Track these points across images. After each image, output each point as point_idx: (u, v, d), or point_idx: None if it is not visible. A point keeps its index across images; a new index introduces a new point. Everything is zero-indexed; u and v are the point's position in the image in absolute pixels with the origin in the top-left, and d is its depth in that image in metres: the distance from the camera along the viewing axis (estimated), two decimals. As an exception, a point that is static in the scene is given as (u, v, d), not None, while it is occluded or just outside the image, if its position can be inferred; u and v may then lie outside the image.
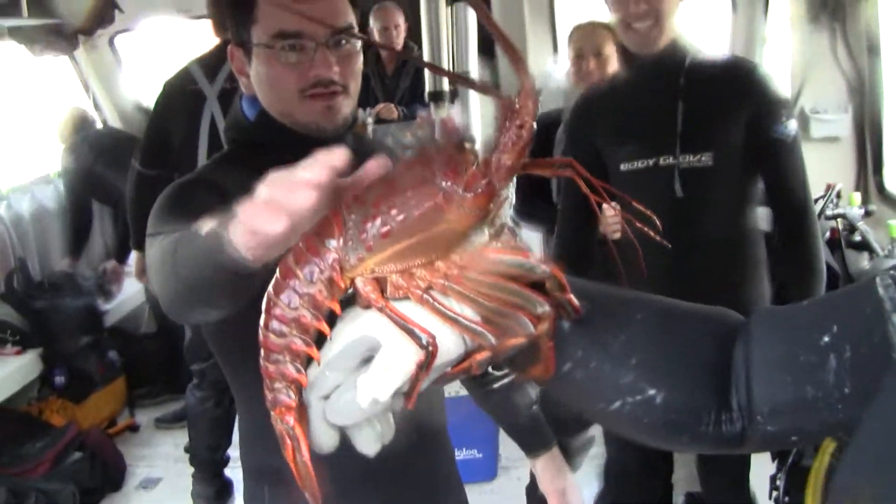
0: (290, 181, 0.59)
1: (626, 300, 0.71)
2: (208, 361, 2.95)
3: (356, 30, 1.23)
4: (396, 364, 0.60)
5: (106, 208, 4.28)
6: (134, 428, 3.86)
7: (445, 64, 3.43)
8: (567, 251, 2.10)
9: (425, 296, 0.60)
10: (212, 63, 3.00)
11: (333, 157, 0.59)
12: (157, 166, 3.04)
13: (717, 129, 1.88)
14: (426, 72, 3.48)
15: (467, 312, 0.60)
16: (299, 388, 0.64)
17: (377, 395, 0.59)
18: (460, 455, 2.77)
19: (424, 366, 0.59)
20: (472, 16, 3.41)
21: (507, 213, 0.66)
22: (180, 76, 3.05)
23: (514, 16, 3.51)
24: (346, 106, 1.22)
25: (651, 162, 1.93)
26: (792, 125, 1.86)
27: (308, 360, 0.63)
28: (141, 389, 4.03)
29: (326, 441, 0.62)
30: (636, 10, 1.85)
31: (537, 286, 0.61)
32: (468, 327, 0.59)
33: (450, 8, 3.45)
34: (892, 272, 0.57)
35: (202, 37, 3.58)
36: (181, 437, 3.45)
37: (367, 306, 0.62)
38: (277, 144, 1.19)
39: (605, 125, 2.02)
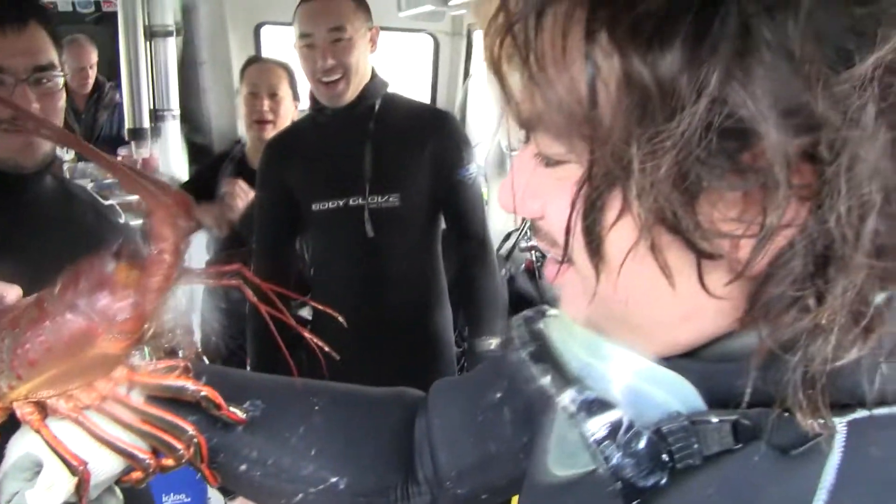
0: None
1: (305, 392, 0.73)
2: None
3: (58, 67, 1.21)
4: (58, 483, 0.61)
5: None
6: None
7: (145, 100, 3.34)
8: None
9: (81, 418, 0.62)
10: None
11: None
12: None
13: (404, 172, 2.00)
14: (126, 108, 3.36)
15: (121, 434, 0.63)
16: None
17: None
18: (168, 500, 2.69)
19: (80, 488, 0.61)
20: (171, 51, 3.35)
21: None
22: None
23: (221, 49, 3.49)
24: (46, 143, 1.19)
25: (341, 203, 2.01)
26: (473, 168, 2.02)
27: None
28: None
29: None
30: (324, 65, 1.92)
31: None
32: (121, 450, 0.62)
33: (149, 43, 3.36)
34: (527, 312, 0.58)
35: None
36: None
37: None
38: None
39: (297, 166, 2.07)
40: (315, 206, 2.03)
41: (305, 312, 2.17)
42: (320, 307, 0.75)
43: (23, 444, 0.63)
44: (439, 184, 2.00)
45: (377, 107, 2.00)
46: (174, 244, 0.59)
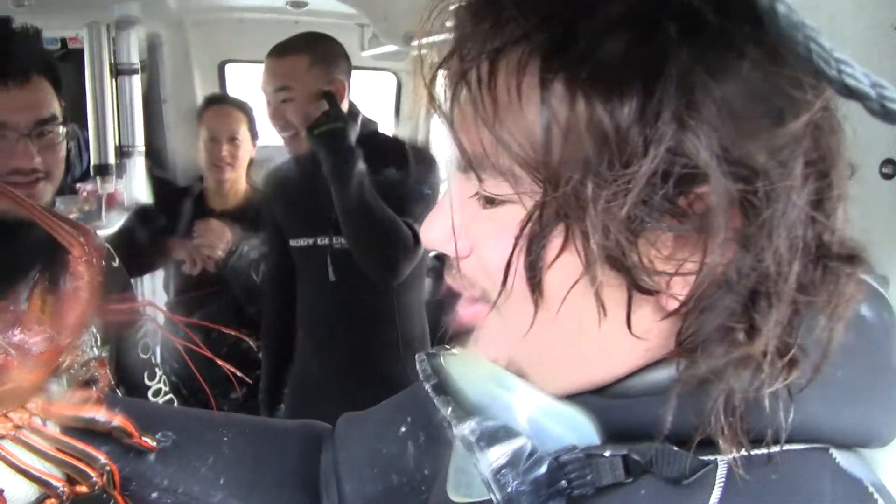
0: None
1: (216, 424, 0.76)
2: None
3: (59, 118, 1.23)
4: None
5: None
6: None
7: (111, 137, 3.35)
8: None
9: (-4, 447, 0.65)
10: None
11: None
12: None
13: None
14: (91, 145, 3.37)
15: (36, 463, 0.66)
16: None
17: None
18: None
19: None
20: (136, 88, 3.37)
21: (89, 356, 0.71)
22: None
23: (186, 87, 3.52)
24: (47, 192, 1.23)
25: (311, 241, 2.07)
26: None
27: None
28: None
29: None
30: (276, 124, 2.04)
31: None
32: (35, 477, 0.65)
33: (114, 80, 3.38)
34: (430, 350, 0.59)
35: None
36: None
37: None
38: None
39: (280, 201, 2.16)
40: (292, 243, 2.12)
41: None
42: (233, 332, 0.79)
43: None
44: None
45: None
46: (89, 282, 0.64)
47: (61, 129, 1.25)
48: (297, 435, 0.80)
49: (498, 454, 0.48)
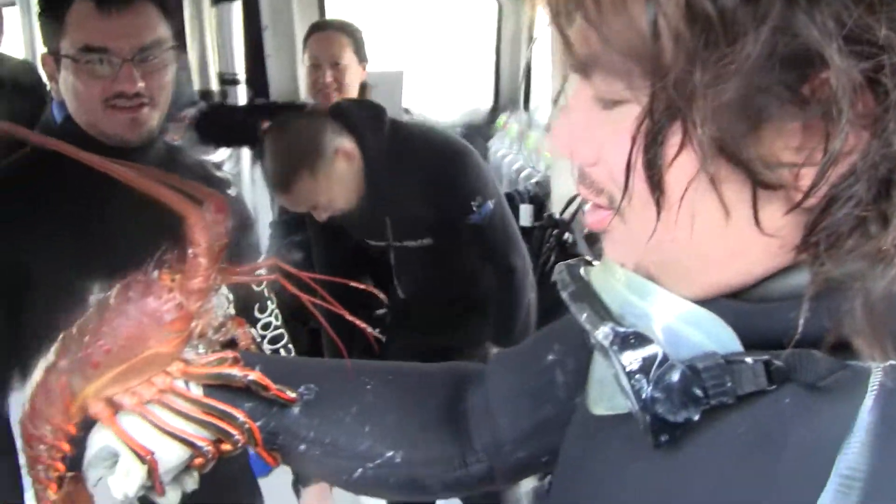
0: None
1: (357, 372, 0.76)
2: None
3: (168, 42, 1.23)
4: (133, 470, 0.67)
5: None
6: None
7: (212, 66, 3.40)
8: None
9: (144, 411, 0.67)
10: None
11: None
12: None
13: (420, 224, 2.02)
14: (193, 72, 3.42)
15: (182, 424, 0.68)
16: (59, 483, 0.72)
17: (125, 492, 0.68)
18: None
19: (151, 474, 0.67)
20: (237, 16, 3.40)
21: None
22: None
23: (284, 14, 3.51)
24: (153, 118, 1.23)
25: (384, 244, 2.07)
26: (487, 208, 1.98)
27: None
28: None
29: None
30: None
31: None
32: (182, 439, 0.67)
33: (214, 8, 3.41)
34: (570, 261, 0.59)
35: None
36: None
37: None
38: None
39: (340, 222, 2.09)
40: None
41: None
42: (361, 286, 0.78)
43: (101, 437, 0.69)
44: (459, 228, 2.03)
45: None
46: (208, 248, 0.64)
47: (166, 55, 1.24)
48: (440, 377, 0.80)
49: (630, 359, 0.46)
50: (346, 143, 1.87)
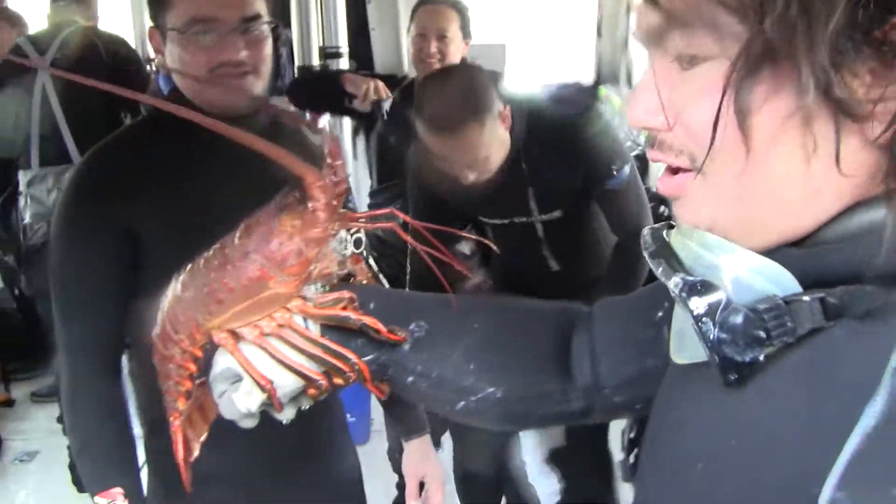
0: None
1: (464, 311, 0.80)
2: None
3: (264, 17, 1.30)
4: (254, 392, 0.73)
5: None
6: (9, 403, 3.83)
7: (314, 40, 3.46)
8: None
9: (264, 343, 0.72)
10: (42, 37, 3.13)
11: None
12: None
13: (560, 193, 2.05)
14: (296, 47, 3.50)
15: (298, 358, 0.72)
16: (187, 396, 0.79)
17: (247, 407, 0.74)
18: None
19: (270, 398, 0.73)
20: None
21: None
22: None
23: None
24: (256, 86, 1.30)
25: (507, 220, 2.07)
26: (624, 173, 2.00)
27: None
28: (14, 364, 3.98)
29: (239, 420, 0.76)
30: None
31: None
32: (298, 371, 0.72)
33: (318, -15, 3.46)
34: (655, 225, 0.62)
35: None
36: (56, 410, 3.45)
37: None
38: (188, 121, 1.27)
39: (453, 198, 2.05)
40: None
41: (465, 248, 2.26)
42: (479, 238, 0.82)
43: (224, 360, 0.75)
44: (594, 193, 2.06)
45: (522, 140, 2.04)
46: (326, 204, 0.68)
47: (266, 28, 1.30)
48: (547, 317, 0.83)
49: (697, 304, 0.49)
50: (504, 108, 1.90)
